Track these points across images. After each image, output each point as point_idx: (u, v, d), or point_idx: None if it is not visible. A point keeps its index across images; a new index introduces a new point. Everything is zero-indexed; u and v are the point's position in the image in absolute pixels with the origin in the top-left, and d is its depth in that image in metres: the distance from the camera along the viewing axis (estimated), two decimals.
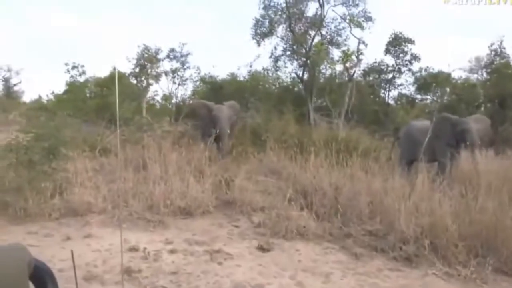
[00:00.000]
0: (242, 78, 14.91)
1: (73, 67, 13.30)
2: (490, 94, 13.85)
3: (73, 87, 13.27)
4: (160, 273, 3.62)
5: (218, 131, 8.09)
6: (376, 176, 5.81)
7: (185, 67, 15.65)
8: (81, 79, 13.64)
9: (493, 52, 14.55)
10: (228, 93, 13.48)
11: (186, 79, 15.90)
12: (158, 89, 18.62)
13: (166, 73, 15.56)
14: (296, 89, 14.37)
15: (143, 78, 14.87)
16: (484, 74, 15.33)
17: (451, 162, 6.76)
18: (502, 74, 13.68)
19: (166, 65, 15.65)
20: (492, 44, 14.49)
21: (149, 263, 3.82)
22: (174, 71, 15.66)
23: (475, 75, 16.25)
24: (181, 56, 15.46)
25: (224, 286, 3.40)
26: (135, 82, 15.03)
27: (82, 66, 13.55)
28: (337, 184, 5.69)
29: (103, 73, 15.11)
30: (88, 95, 13.26)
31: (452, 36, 28.25)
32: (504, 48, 14.25)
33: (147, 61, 14.44)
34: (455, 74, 18.60)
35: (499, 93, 13.25)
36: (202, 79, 15.59)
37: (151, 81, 15.15)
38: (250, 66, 13.72)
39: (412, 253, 4.02)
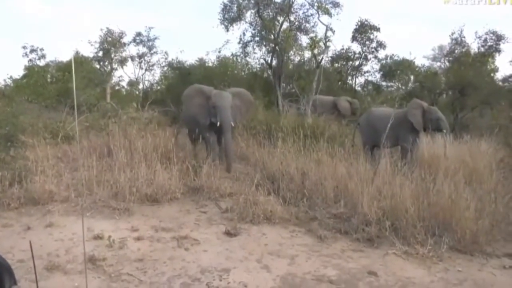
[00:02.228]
0: (210, 64, 14.76)
1: (32, 51, 12.71)
2: (451, 82, 14.39)
3: (32, 72, 12.68)
4: (125, 260, 3.58)
5: (219, 123, 6.67)
6: (341, 161, 5.95)
7: (152, 52, 15.31)
8: (41, 63, 13.06)
9: (454, 41, 15.07)
10: (196, 79, 13.30)
11: (153, 65, 15.59)
12: (124, 75, 18.11)
13: (132, 58, 15.17)
14: (265, 75, 14.37)
15: (107, 63, 14.39)
16: (446, 63, 15.90)
17: (413, 147, 7.04)
18: (462, 62, 14.23)
19: (132, 50, 15.24)
20: (453, 33, 15.01)
21: (114, 251, 3.76)
22: (140, 56, 15.28)
23: (438, 63, 16.82)
24: (148, 40, 15.11)
25: (190, 271, 3.41)
26: (98, 66, 14.53)
27: (42, 49, 12.99)
28: (304, 169, 5.79)
29: (65, 57, 14.53)
30: (48, 80, 12.72)
31: (417, 24, 28.98)
32: (464, 37, 14.79)
33: (110, 45, 13.97)
34: (419, 62, 19.12)
35: (459, 81, 13.78)
36: (170, 65, 15.30)
37: (115, 66, 14.70)
38: (219, 52, 13.60)
39: (374, 234, 4.17)
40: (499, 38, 14.04)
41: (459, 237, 3.99)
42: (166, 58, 15.38)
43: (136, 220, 4.61)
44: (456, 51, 15.02)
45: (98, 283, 3.18)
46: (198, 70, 13.98)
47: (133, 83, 16.42)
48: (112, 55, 14.29)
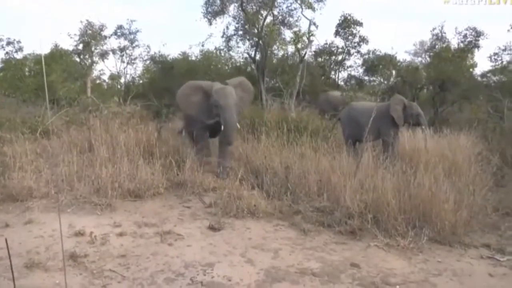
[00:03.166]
0: (194, 58, 14.62)
1: (8, 43, 12.33)
2: (431, 77, 14.61)
3: (9, 65, 12.32)
4: (107, 257, 3.54)
5: (223, 126, 5.99)
6: (324, 155, 5.99)
7: (134, 45, 15.06)
8: (18, 56, 12.71)
9: (434, 37, 15.31)
10: (179, 73, 13.17)
11: (135, 58, 15.34)
12: (105, 68, 17.77)
13: (113, 51, 14.89)
14: (248, 69, 14.33)
15: (87, 56, 14.09)
16: (427, 58, 16.13)
17: (394, 140, 7.15)
18: (442, 58, 14.46)
19: (113, 43, 14.96)
20: (434, 29, 15.25)
21: (96, 247, 3.71)
22: (122, 49, 15.01)
23: (419, 59, 17.06)
24: (130, 33, 14.84)
25: (174, 266, 3.39)
26: (78, 60, 14.22)
27: (19, 42, 12.61)
28: (288, 163, 5.81)
29: (43, 50, 14.16)
30: (26, 73, 12.39)
31: (399, 19, 29.32)
32: (445, 33, 15.04)
33: (90, 38, 13.67)
34: (401, 57, 19.35)
35: (439, 76, 14.02)
36: (152, 58, 15.09)
37: (96, 59, 14.41)
38: (202, 46, 13.45)
39: (356, 227, 4.23)
40: (478, 34, 14.31)
41: (438, 229, 4.09)
42: (148, 52, 15.15)
43: (118, 216, 4.56)
44: (437, 46, 15.25)
45: (79, 280, 3.13)
46: (181, 64, 13.83)
47: (114, 77, 16.13)
48: (93, 48, 13.99)
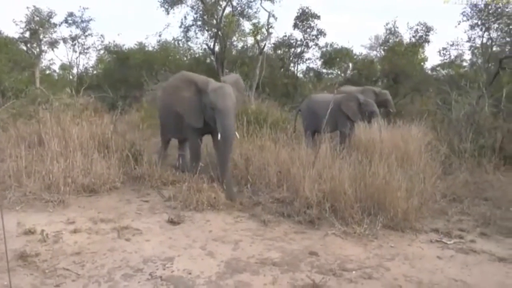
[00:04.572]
0: (151, 48, 14.24)
1: None
2: (385, 70, 15.19)
3: None
4: (61, 255, 3.39)
5: (220, 134, 5.10)
6: (284, 146, 6.06)
7: (86, 34, 14.41)
8: None
9: (388, 31, 15.88)
10: (135, 63, 12.79)
11: (88, 48, 14.72)
12: (55, 58, 16.89)
13: (64, 40, 14.17)
14: (207, 60, 14.17)
15: (35, 45, 13.31)
16: (382, 51, 16.71)
17: (351, 132, 7.38)
18: (395, 52, 15.05)
19: (64, 31, 14.24)
20: (387, 24, 15.83)
21: (48, 246, 3.54)
22: (74, 38, 14.33)
23: (374, 52, 17.64)
24: (82, 21, 14.17)
25: (132, 262, 3.31)
26: (25, 48, 13.40)
27: None
28: (248, 155, 5.83)
29: None
30: None
31: (356, 13, 30.06)
32: (398, 27, 15.63)
33: (38, 25, 12.90)
34: (358, 51, 19.92)
35: (393, 69, 14.60)
36: (107, 48, 14.53)
37: (45, 48, 13.64)
38: (159, 36, 13.14)
39: (315, 216, 4.33)
40: (428, 29, 15.01)
41: (392, 216, 4.26)
42: (102, 41, 14.59)
43: (72, 212, 4.37)
44: (390, 40, 15.84)
45: (31, 280, 2.98)
46: (137, 54, 13.44)
47: (66, 67, 15.39)
48: (41, 36, 13.22)
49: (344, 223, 4.21)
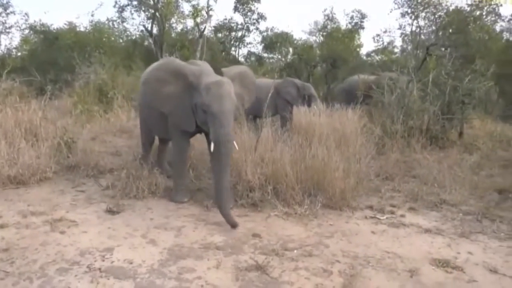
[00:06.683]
0: (82, 29, 13.35)
1: None
2: (324, 55, 15.64)
3: None
4: None
5: (213, 144, 3.95)
6: None
7: (8, 12, 13.16)
8: None
9: (326, 17, 16.31)
10: (66, 44, 11.93)
11: (11, 27, 13.46)
12: None
13: None
14: (145, 43, 13.62)
15: None
16: (321, 37, 17.17)
17: (291, 116, 7.55)
18: (333, 37, 15.53)
19: None
20: (325, 10, 16.25)
21: None
22: None
23: (314, 38, 18.06)
24: None
25: (68, 255, 3.14)
26: None
27: None
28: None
29: None
30: None
31: None
32: (335, 14, 16.11)
33: None
34: (298, 36, 20.24)
35: (331, 54, 15.07)
36: (32, 28, 13.38)
37: None
38: (92, 15, 12.36)
39: (257, 199, 4.39)
40: (363, 16, 15.65)
41: (330, 195, 4.45)
42: (26, 20, 13.39)
43: None
44: (328, 26, 16.30)
45: None
46: (68, 35, 12.53)
47: None
48: None
49: (285, 205, 4.32)
